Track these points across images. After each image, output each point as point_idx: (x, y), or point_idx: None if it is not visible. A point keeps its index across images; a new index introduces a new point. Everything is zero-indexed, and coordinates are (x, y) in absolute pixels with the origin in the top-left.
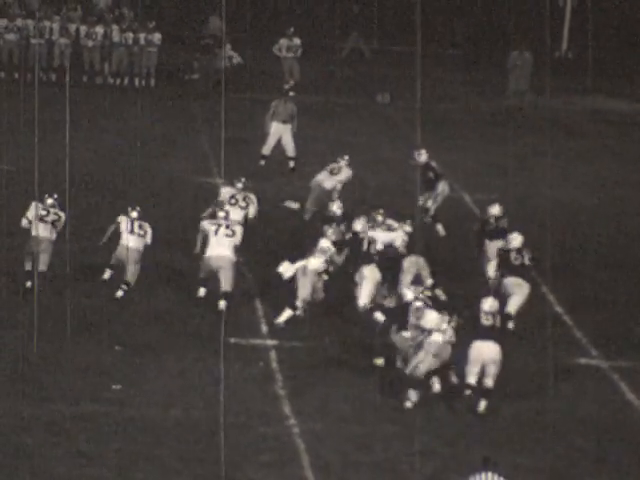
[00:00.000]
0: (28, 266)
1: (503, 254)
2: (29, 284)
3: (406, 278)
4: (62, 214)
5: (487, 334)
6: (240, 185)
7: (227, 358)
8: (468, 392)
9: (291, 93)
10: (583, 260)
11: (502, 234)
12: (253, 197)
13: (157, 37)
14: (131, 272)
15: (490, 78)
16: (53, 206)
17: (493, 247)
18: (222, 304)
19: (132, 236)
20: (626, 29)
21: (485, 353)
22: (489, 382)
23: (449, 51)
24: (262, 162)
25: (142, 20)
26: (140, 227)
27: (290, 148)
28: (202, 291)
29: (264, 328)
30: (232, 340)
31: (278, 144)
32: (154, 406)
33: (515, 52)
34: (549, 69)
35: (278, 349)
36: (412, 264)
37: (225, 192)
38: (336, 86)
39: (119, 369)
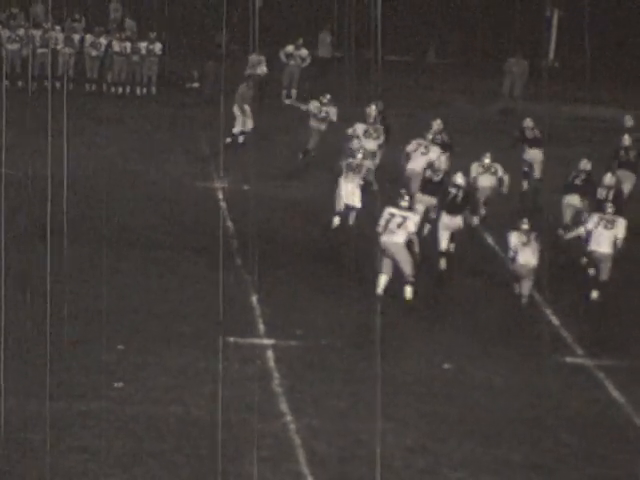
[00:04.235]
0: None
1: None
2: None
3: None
4: (332, 109)
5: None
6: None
7: (226, 356)
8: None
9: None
10: (570, 262)
11: (632, 165)
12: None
13: (158, 47)
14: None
15: (483, 85)
16: (326, 104)
17: (622, 175)
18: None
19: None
20: (612, 38)
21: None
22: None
23: (444, 60)
24: (240, 138)
25: (144, 30)
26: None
27: (237, 126)
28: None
29: (261, 327)
30: (231, 339)
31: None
32: (155, 403)
33: (512, 58)
34: (538, 77)
35: (275, 348)
36: None
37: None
38: (332, 94)
39: (121, 367)
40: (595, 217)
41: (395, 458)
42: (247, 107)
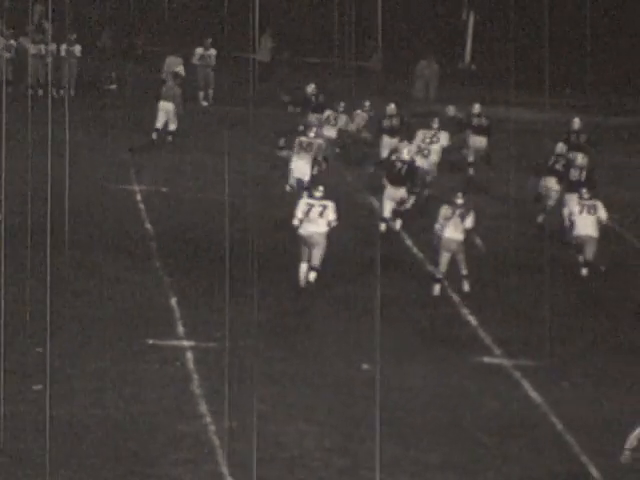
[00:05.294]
0: None
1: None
2: None
3: None
4: (344, 117)
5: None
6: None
7: (145, 359)
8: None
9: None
10: (487, 262)
11: (582, 148)
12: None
13: (78, 49)
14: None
15: (401, 88)
16: (341, 112)
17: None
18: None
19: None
20: (529, 41)
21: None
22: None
23: (362, 63)
24: (154, 135)
25: (63, 32)
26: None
27: (172, 124)
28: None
29: (181, 329)
30: (150, 341)
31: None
32: (75, 406)
33: (423, 61)
34: (454, 79)
35: (194, 349)
36: None
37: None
38: (251, 97)
39: (40, 370)
40: (575, 204)
41: (314, 459)
42: (175, 106)
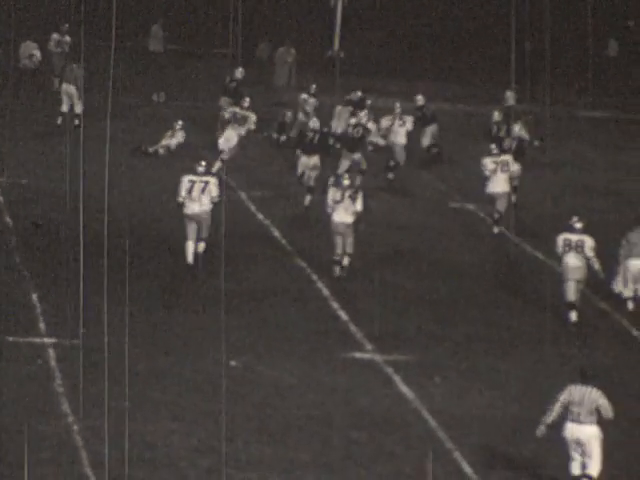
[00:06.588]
0: None
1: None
2: None
3: None
4: (313, 100)
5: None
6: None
7: (5, 357)
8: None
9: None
10: (359, 256)
11: (432, 119)
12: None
13: None
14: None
15: (262, 76)
16: (313, 95)
17: (428, 131)
18: None
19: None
20: (399, 29)
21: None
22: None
23: (223, 51)
24: (59, 120)
25: None
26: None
27: (77, 106)
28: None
29: (42, 326)
30: (10, 338)
31: None
32: None
33: (281, 48)
34: (322, 66)
35: (56, 347)
36: None
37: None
38: (113, 85)
39: None
40: (490, 163)
41: (181, 458)
42: (77, 88)
